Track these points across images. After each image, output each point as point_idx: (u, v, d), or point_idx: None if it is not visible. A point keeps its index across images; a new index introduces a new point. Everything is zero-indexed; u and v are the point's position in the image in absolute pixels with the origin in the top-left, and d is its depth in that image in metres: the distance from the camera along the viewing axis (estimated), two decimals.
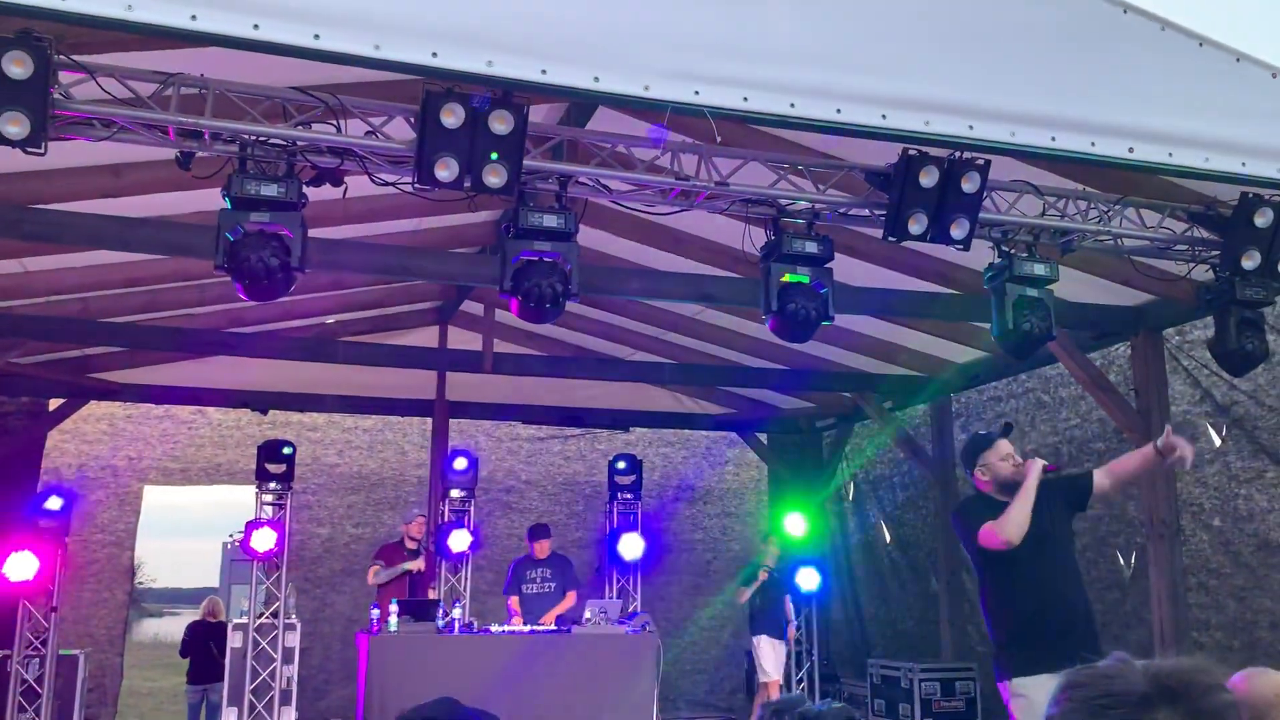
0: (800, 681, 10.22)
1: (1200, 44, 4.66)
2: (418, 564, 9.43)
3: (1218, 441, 7.66)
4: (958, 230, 4.84)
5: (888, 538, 11.52)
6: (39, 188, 5.81)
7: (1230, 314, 5.44)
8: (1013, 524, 4.55)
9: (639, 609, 9.80)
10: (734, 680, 11.90)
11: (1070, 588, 4.67)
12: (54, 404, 10.59)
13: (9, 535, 8.88)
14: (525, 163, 4.43)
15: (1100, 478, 4.81)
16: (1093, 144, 4.45)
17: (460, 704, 1.81)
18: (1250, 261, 5.26)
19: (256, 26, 3.49)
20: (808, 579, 10.06)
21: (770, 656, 9.87)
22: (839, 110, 4.13)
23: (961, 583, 10.23)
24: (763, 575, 9.86)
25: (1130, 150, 4.49)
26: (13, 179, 5.66)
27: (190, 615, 13.94)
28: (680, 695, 11.70)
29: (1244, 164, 4.66)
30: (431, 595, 9.31)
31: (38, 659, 8.96)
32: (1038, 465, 4.67)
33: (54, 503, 9.13)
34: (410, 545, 9.62)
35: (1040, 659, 4.43)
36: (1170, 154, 4.56)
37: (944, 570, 10.33)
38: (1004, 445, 4.83)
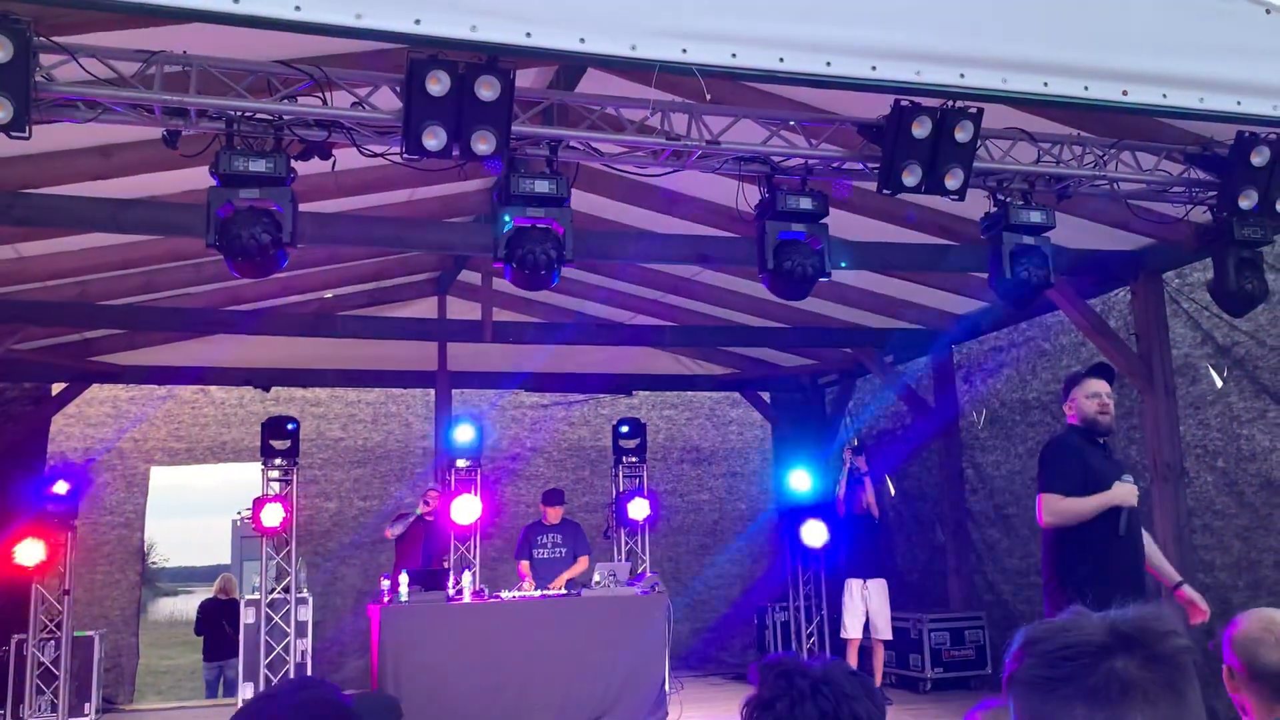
0: (810, 637, 10.26)
1: None
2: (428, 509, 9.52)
3: (1219, 383, 7.65)
4: (952, 180, 4.82)
5: (892, 491, 11.55)
6: (28, 172, 5.78)
7: (1229, 255, 5.43)
8: (1063, 517, 4.69)
9: (648, 570, 9.85)
10: (745, 638, 11.98)
11: (1136, 571, 4.78)
12: (57, 389, 10.60)
13: (18, 520, 8.93)
14: (514, 128, 4.40)
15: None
16: (1086, 88, 4.41)
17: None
18: (1247, 201, 5.24)
19: (236, 0, 3.46)
20: (814, 535, 9.99)
21: (849, 605, 9.10)
22: (829, 63, 4.09)
23: (967, 534, 10.27)
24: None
25: (1124, 93, 4.45)
26: (1, 164, 5.63)
27: (204, 593, 14.05)
28: (691, 654, 11.78)
29: (1239, 102, 4.62)
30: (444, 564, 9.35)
31: (53, 641, 9.03)
32: (1124, 491, 4.72)
33: (60, 487, 9.17)
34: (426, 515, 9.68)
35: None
36: (1165, 95, 4.51)
37: (949, 522, 10.37)
38: (1092, 383, 4.94)
